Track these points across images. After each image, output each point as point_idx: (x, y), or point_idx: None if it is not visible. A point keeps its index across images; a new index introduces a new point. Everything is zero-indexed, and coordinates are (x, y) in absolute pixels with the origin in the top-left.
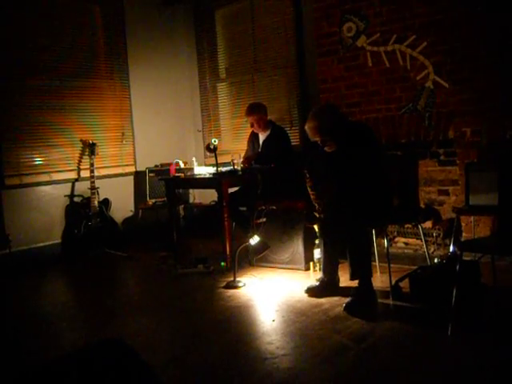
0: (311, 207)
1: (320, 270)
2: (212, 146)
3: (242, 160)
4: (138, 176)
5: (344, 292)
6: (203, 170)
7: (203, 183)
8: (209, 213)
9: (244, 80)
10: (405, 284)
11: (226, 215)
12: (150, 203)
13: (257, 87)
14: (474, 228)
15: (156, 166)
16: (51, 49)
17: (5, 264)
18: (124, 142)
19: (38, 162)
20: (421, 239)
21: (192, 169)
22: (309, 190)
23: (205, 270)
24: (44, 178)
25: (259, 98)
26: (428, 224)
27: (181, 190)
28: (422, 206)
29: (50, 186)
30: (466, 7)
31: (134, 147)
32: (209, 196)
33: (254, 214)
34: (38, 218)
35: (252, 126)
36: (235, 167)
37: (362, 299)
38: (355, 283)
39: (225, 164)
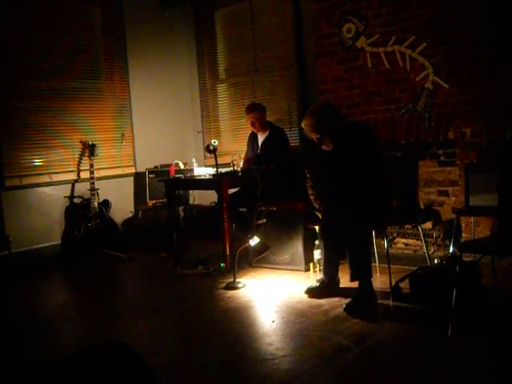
0: (312, 207)
1: (320, 270)
2: (212, 147)
3: (242, 161)
4: (138, 177)
5: (344, 293)
6: (203, 171)
7: (203, 184)
8: (209, 214)
9: (244, 81)
10: (405, 285)
11: (225, 216)
12: (150, 204)
13: (256, 88)
14: (474, 229)
15: (156, 167)
16: (51, 50)
17: (5, 265)
18: (124, 143)
19: (37, 163)
20: (421, 240)
21: (192, 170)
22: (309, 190)
23: (205, 270)
24: (44, 179)
25: (259, 99)
26: (428, 225)
27: (181, 191)
28: (422, 206)
29: (50, 187)
30: (465, 8)
31: (133, 148)
32: (209, 197)
33: (253, 215)
34: (37, 219)
35: (253, 124)
36: (235, 168)
37: (362, 300)
38: (355, 284)
39: (225, 165)
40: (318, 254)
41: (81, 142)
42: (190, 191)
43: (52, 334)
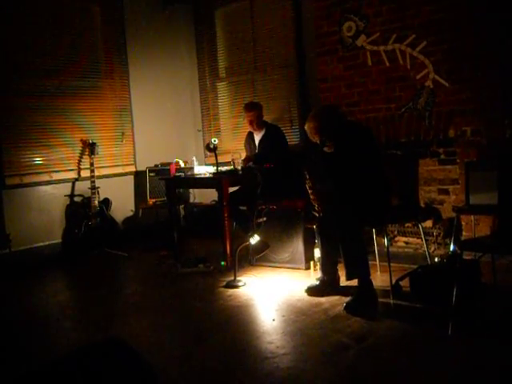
0: (310, 207)
1: (320, 269)
2: (212, 146)
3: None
4: (138, 176)
5: (344, 291)
6: (203, 170)
7: (203, 183)
8: (209, 212)
9: (244, 79)
10: (405, 283)
11: (226, 215)
12: (151, 203)
13: (256, 86)
14: (474, 227)
15: (156, 165)
16: (51, 49)
17: (5, 264)
18: (124, 142)
19: (38, 162)
20: (421, 238)
21: (192, 168)
22: (308, 189)
23: (205, 269)
24: (44, 177)
25: (259, 98)
26: (428, 223)
27: (181, 190)
28: (422, 205)
29: (51, 185)
30: (465, 6)
31: (134, 147)
32: (209, 195)
33: (254, 213)
34: (38, 217)
35: (251, 123)
36: (235, 167)
37: (363, 298)
38: (355, 282)
39: (225, 163)
40: (318, 253)
41: (81, 140)
42: (191, 190)
43: (52, 333)
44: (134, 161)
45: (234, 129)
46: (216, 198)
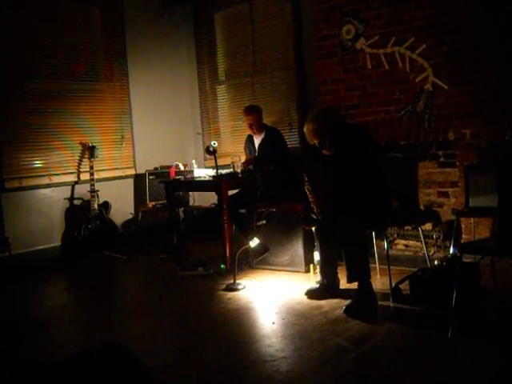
0: (309, 210)
1: (320, 272)
2: (212, 149)
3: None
4: (138, 179)
5: (344, 294)
6: (203, 173)
7: (203, 186)
8: (209, 215)
9: (243, 82)
10: (405, 286)
11: (225, 218)
12: (150, 206)
13: (256, 89)
14: (474, 230)
15: (156, 168)
16: (51, 52)
17: (5, 267)
18: (124, 145)
19: (37, 165)
20: (421, 241)
21: (192, 171)
22: (307, 192)
23: (205, 272)
24: (44, 180)
25: (258, 101)
26: (428, 226)
27: (181, 193)
28: (422, 207)
29: (50, 188)
30: (465, 9)
31: (133, 150)
32: (209, 198)
33: (253, 216)
34: (37, 220)
35: (250, 126)
36: (235, 170)
37: (362, 301)
38: (355, 285)
39: (224, 166)
40: (317, 256)
41: (81, 143)
42: (190, 193)
43: (52, 336)
44: (134, 164)
45: (234, 132)
46: (216, 201)
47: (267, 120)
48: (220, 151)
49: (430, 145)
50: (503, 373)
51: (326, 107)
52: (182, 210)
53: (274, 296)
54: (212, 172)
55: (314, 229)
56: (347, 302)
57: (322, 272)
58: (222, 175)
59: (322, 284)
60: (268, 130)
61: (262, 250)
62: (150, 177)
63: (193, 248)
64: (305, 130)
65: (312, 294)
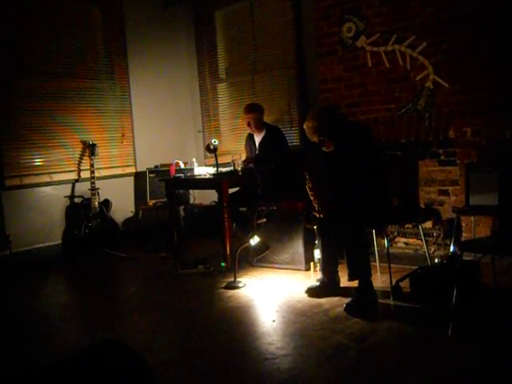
0: (310, 208)
1: (320, 270)
2: (212, 147)
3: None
4: (139, 177)
5: (344, 292)
6: (203, 171)
7: (203, 184)
8: (209, 213)
9: (244, 80)
10: (405, 284)
11: (226, 216)
12: (151, 204)
13: (257, 88)
14: (475, 228)
15: (156, 166)
16: (51, 50)
17: (5, 265)
18: (124, 143)
19: (38, 163)
20: (421, 239)
21: (192, 169)
22: (308, 190)
23: (205, 270)
24: (44, 178)
25: (259, 99)
26: (428, 224)
27: (181, 191)
28: (422, 206)
29: (51, 186)
30: (465, 7)
31: (134, 148)
32: (209, 196)
33: (254, 214)
34: (38, 218)
35: (248, 124)
36: (235, 168)
37: (363, 299)
38: (356, 283)
39: (225, 164)
40: (318, 254)
41: (81, 141)
42: (191, 191)
43: (52, 334)
44: (134, 162)
45: (234, 130)
46: (216, 199)
47: (267, 118)
48: (220, 149)
49: (431, 143)
50: (503, 370)
51: (326, 105)
52: (182, 208)
53: (274, 294)
54: (212, 170)
55: (315, 227)
56: (348, 300)
57: (322, 270)
58: (222, 173)
59: (322, 282)
60: (268, 128)
61: (263, 248)
62: (151, 175)
63: (193, 246)
64: (305, 127)
65: (312, 292)
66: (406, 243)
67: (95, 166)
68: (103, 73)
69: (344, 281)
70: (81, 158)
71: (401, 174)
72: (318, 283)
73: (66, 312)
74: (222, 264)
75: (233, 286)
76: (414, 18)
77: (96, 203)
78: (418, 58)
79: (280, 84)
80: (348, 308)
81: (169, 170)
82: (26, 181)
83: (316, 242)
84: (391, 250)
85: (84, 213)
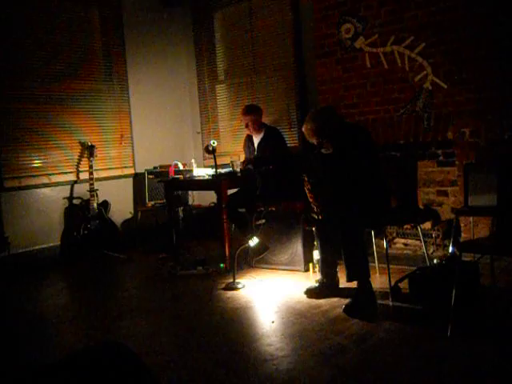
0: (309, 209)
1: (319, 271)
2: (211, 148)
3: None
4: (137, 178)
5: (343, 293)
6: (202, 172)
7: (202, 185)
8: (208, 214)
9: (243, 82)
10: (404, 285)
11: (225, 217)
12: (149, 205)
13: (256, 89)
14: (473, 229)
15: (155, 167)
16: (50, 52)
17: (4, 266)
18: (123, 144)
19: (36, 165)
20: (420, 240)
21: (191, 170)
22: (307, 192)
23: (204, 271)
24: (43, 180)
25: (258, 100)
26: (427, 225)
27: (180, 192)
28: (421, 206)
29: (49, 188)
30: (464, 8)
31: (132, 149)
32: (208, 198)
33: (253, 215)
34: (37, 220)
35: (247, 126)
36: (234, 169)
37: (362, 300)
38: (355, 284)
39: (224, 165)
40: (317, 255)
41: (80, 142)
42: (190, 192)
43: (51, 335)
44: (133, 163)
45: (233, 131)
46: (215, 201)
47: (266, 119)
48: (219, 150)
49: (430, 144)
50: (502, 371)
51: (325, 106)
52: (181, 209)
53: (273, 295)
54: (211, 171)
55: (314, 228)
56: (347, 301)
57: (321, 271)
58: (221, 174)
59: (321, 283)
60: (267, 129)
61: (262, 249)
62: (150, 176)
63: (192, 247)
64: (303, 129)
65: (311, 293)
66: (405, 244)
67: (94, 168)
68: (102, 74)
69: (343, 282)
70: (79, 160)
71: (399, 175)
72: (317, 284)
73: (64, 313)
74: (221, 265)
75: (232, 287)
76: (412, 19)
77: (95, 204)
78: (417, 59)
79: (279, 85)
80: (347, 309)
81: (167, 172)
82: (25, 182)
83: (315, 243)
84: (390, 251)
85: (83, 214)
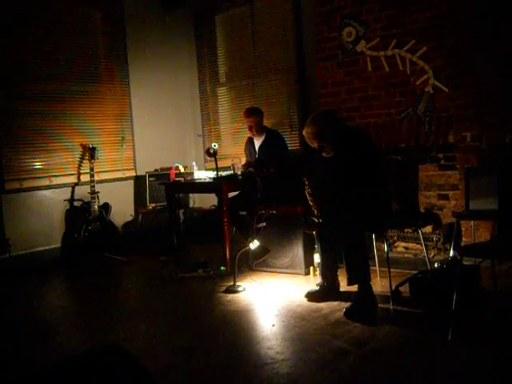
0: (309, 213)
1: (320, 274)
2: (212, 151)
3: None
4: (138, 180)
5: (344, 297)
6: (203, 175)
7: (203, 187)
8: (209, 217)
9: (244, 84)
10: (405, 288)
11: (225, 219)
12: (150, 207)
13: (257, 91)
14: (474, 232)
15: (156, 170)
16: (52, 53)
17: (4, 268)
18: (124, 147)
19: (38, 167)
20: (421, 244)
21: (192, 173)
22: (307, 195)
23: (205, 274)
24: (44, 182)
25: (259, 103)
26: (428, 229)
27: (181, 195)
28: (422, 210)
29: (50, 190)
30: (465, 12)
31: (134, 151)
32: (209, 200)
33: (253, 218)
34: (37, 222)
35: (250, 128)
36: (235, 172)
37: (362, 304)
38: (355, 288)
39: (225, 168)
40: (317, 258)
41: (81, 145)
42: (190, 194)
43: (52, 337)
44: (134, 165)
45: (234, 134)
46: (216, 203)
47: (268, 122)
48: (220, 153)
49: (431, 147)
50: (502, 375)
51: (326, 110)
52: (182, 211)
53: (273, 298)
54: (212, 174)
55: (314, 232)
56: (347, 304)
57: (322, 274)
58: (222, 177)
59: (322, 286)
60: (268, 132)
61: (262, 252)
62: (151, 178)
63: (193, 250)
64: (304, 133)
65: (312, 296)
66: (406, 248)
67: (95, 170)
68: (104, 76)
69: (343, 285)
70: (81, 162)
71: (401, 179)
72: (317, 287)
73: (65, 315)
74: (222, 268)
75: (232, 290)
76: (413, 23)
77: (96, 207)
78: (418, 63)
79: (280, 88)
80: (348, 312)
81: (169, 174)
82: (26, 184)
83: (316, 246)
84: (391, 255)
85: (84, 216)
